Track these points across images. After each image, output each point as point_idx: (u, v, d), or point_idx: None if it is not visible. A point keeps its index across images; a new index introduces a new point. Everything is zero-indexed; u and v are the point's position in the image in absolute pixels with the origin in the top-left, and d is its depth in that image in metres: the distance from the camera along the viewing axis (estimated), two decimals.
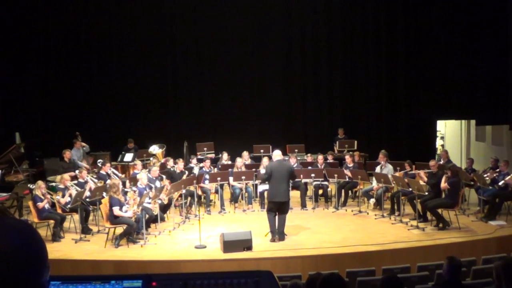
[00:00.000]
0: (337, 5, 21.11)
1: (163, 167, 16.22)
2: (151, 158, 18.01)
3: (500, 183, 14.36)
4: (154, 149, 18.35)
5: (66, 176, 14.17)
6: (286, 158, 17.01)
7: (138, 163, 16.23)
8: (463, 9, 18.16)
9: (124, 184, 14.13)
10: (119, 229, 12.80)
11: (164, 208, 14.46)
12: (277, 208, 12.73)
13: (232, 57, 21.03)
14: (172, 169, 16.04)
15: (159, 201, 13.84)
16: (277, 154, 13.15)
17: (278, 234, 12.72)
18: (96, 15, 20.82)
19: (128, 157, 18.58)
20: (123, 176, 16.67)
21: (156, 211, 13.59)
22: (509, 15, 16.15)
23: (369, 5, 20.98)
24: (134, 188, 13.75)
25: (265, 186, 14.40)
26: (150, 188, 13.96)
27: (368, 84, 21.14)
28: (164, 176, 15.18)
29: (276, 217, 12.79)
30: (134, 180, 14.59)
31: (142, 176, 14.06)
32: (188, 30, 21.14)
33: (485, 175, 15.05)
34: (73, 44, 20.53)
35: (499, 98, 16.76)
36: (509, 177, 14.24)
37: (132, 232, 12.75)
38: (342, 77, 21.29)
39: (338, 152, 19.20)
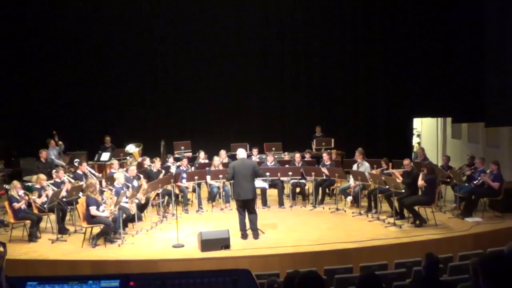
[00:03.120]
0: (315, 4, 21.14)
1: (140, 166, 16.16)
2: (128, 157, 17.96)
3: (476, 182, 14.46)
4: (131, 148, 18.27)
5: (43, 176, 14.05)
6: (264, 157, 17.04)
7: (115, 162, 16.14)
8: (440, 8, 18.24)
9: (100, 184, 14.04)
10: (96, 229, 12.72)
11: (142, 207, 14.43)
12: (244, 206, 12.79)
13: (209, 56, 20.98)
14: (149, 168, 15.99)
15: (136, 201, 13.78)
16: (240, 153, 13.26)
17: (252, 232, 12.79)
18: (72, 13, 20.65)
19: (105, 156, 18.48)
20: (100, 175, 16.57)
21: (133, 210, 13.54)
22: (485, 14, 16.25)
23: (347, 4, 21.04)
24: (111, 188, 13.68)
25: None
26: (127, 187, 13.89)
27: (345, 82, 21.20)
28: (141, 176, 15.12)
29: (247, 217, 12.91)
30: (111, 180, 14.50)
31: (119, 176, 14.00)
32: (166, 29, 21.05)
33: (461, 172, 15.16)
34: (49, 43, 20.34)
35: (475, 96, 16.86)
36: (484, 174, 14.36)
37: (109, 231, 12.68)
38: (320, 75, 21.33)
39: (315, 150, 19.23)
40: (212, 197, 16.36)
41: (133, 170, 14.93)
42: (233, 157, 18.04)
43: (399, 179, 14.32)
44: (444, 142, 21.60)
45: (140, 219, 14.23)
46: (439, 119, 21.60)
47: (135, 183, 14.52)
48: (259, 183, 14.73)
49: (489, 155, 16.73)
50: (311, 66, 21.38)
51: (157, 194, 15.08)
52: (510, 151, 17.37)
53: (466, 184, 14.83)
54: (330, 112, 21.36)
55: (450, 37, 17.88)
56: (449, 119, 20.34)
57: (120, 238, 12.79)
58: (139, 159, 17.21)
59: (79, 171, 15.53)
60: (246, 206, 12.77)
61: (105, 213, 12.61)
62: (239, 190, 12.78)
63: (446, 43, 18.13)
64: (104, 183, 14.37)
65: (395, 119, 20.54)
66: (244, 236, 12.79)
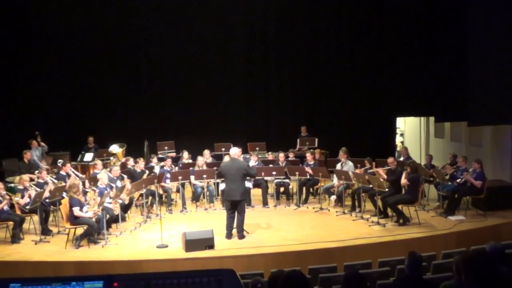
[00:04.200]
0: (300, 4, 21.16)
1: (123, 166, 16.11)
2: (111, 158, 17.89)
3: (459, 180, 14.54)
4: (114, 148, 18.20)
5: (25, 176, 13.98)
6: (247, 157, 17.03)
7: (99, 162, 16.08)
8: (424, 7, 18.29)
9: (84, 184, 13.99)
10: (80, 230, 12.68)
11: (125, 208, 14.38)
12: (232, 207, 12.82)
13: (193, 56, 20.88)
14: (132, 168, 15.94)
15: (120, 201, 13.75)
16: (232, 153, 13.19)
17: (237, 232, 12.83)
18: (54, 13, 20.49)
19: (88, 156, 18.41)
20: (83, 176, 16.50)
21: (117, 211, 13.50)
22: (468, 13, 16.32)
23: (332, 4, 21.07)
24: (94, 188, 13.63)
25: None
26: (111, 188, 13.85)
27: (330, 82, 21.19)
28: (125, 176, 15.08)
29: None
30: (94, 180, 14.45)
31: (103, 176, 13.95)
32: (150, 29, 20.91)
33: (444, 171, 15.23)
34: (32, 43, 20.19)
35: (458, 96, 16.94)
36: (467, 172, 14.43)
37: (93, 232, 12.64)
38: (304, 75, 21.33)
39: (298, 150, 19.26)
40: (196, 197, 16.36)
41: (116, 170, 14.89)
42: (217, 157, 18.08)
43: (384, 177, 14.37)
44: (427, 141, 21.70)
45: (123, 219, 14.19)
46: (422, 118, 21.70)
47: (119, 183, 14.48)
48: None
49: (472, 154, 16.83)
50: (295, 66, 21.35)
51: (141, 195, 15.04)
52: (492, 150, 17.49)
53: (449, 183, 14.91)
54: (314, 112, 21.36)
55: (434, 37, 17.94)
56: (432, 118, 20.43)
57: (104, 238, 12.75)
58: (123, 160, 17.14)
59: (62, 172, 15.45)
60: (234, 207, 12.81)
61: (89, 213, 12.57)
62: (228, 190, 12.91)
63: (429, 43, 18.17)
64: (87, 184, 14.32)
65: (379, 118, 20.59)
66: (228, 235, 12.80)
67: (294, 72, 21.40)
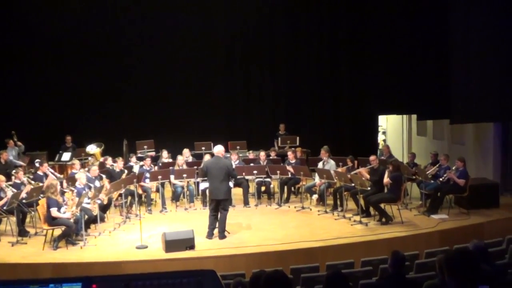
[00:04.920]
0: (280, 0, 21.18)
1: (102, 166, 16.03)
2: (89, 158, 17.81)
3: (441, 179, 14.60)
4: (92, 148, 18.12)
5: (1, 177, 13.87)
6: (228, 155, 17.01)
7: (76, 162, 15.97)
8: (405, 4, 18.34)
9: (61, 184, 13.89)
10: (58, 231, 12.61)
11: (104, 208, 14.30)
12: (216, 206, 12.82)
13: (172, 53, 20.83)
14: (111, 168, 15.87)
15: (99, 201, 13.67)
16: (216, 151, 13.19)
17: (218, 232, 12.81)
18: (32, 11, 20.33)
19: (66, 156, 18.30)
20: (61, 176, 16.40)
21: (96, 211, 13.43)
22: (450, 10, 16.39)
23: (313, 1, 21.10)
24: (72, 188, 13.54)
25: (206, 184, 14.35)
26: (89, 188, 13.78)
27: (310, 80, 21.21)
28: (103, 176, 15.02)
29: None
30: (72, 180, 14.35)
31: (81, 176, 13.87)
32: (127, 27, 20.79)
33: (427, 171, 15.29)
34: (6, 41, 20.05)
35: (440, 93, 17.00)
36: (450, 171, 14.51)
37: (71, 233, 12.58)
38: (285, 73, 21.34)
39: (279, 148, 19.27)
40: (176, 197, 16.34)
41: (95, 170, 14.80)
42: (197, 156, 18.07)
43: (366, 177, 14.38)
44: (409, 139, 21.80)
45: (102, 220, 14.10)
46: (404, 116, 21.79)
47: (97, 183, 14.41)
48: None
49: (454, 152, 16.91)
50: (276, 63, 21.37)
51: (120, 195, 14.98)
52: (474, 148, 17.60)
53: (432, 181, 14.95)
54: (295, 110, 21.36)
55: (416, 35, 17.97)
56: (414, 116, 20.50)
57: (82, 240, 12.68)
58: (101, 159, 17.08)
59: (39, 172, 15.34)
60: (218, 206, 12.82)
61: (67, 214, 12.50)
62: (211, 189, 12.96)
63: (411, 41, 18.20)
64: (65, 184, 14.22)
65: (360, 116, 20.61)
66: (209, 234, 12.79)
67: (275, 69, 21.38)
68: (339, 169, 15.52)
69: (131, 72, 20.92)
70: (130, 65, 20.89)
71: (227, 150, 18.29)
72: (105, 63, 20.57)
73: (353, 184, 14.23)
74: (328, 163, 15.87)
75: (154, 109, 20.80)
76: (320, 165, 16.07)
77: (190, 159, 17.45)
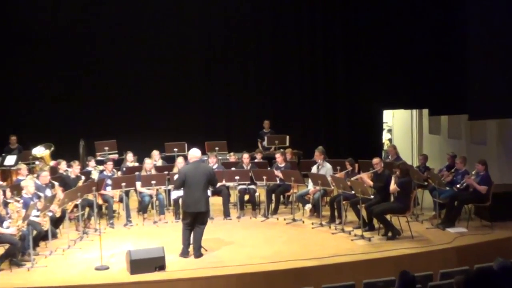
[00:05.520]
0: None
1: (54, 171, 15.93)
2: (37, 162, 17.66)
3: (459, 185, 14.55)
4: (39, 150, 17.93)
5: None
6: (205, 158, 16.95)
7: (23, 167, 15.85)
8: None
9: (4, 194, 13.72)
10: (0, 250, 12.50)
11: (56, 222, 14.19)
12: (193, 220, 12.70)
13: (140, 42, 20.87)
14: (65, 173, 15.77)
15: (50, 214, 13.52)
16: (193, 155, 13.04)
17: (194, 250, 12.70)
18: None
19: (10, 160, 18.07)
20: (4, 183, 16.24)
21: (46, 226, 13.27)
22: None
23: None
24: (17, 199, 13.38)
25: (179, 193, 14.27)
26: (38, 197, 13.64)
27: (301, 69, 21.25)
28: (56, 183, 14.89)
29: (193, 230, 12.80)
30: (17, 189, 14.16)
31: (28, 183, 13.73)
32: (84, 12, 20.84)
33: (441, 175, 15.27)
34: None
35: (456, 84, 16.97)
36: (469, 176, 14.46)
37: (16, 252, 12.44)
38: (272, 62, 21.36)
39: (265, 149, 19.25)
40: (143, 208, 16.27)
41: (45, 176, 14.64)
42: (168, 159, 18.03)
43: (369, 184, 14.37)
44: (420, 138, 21.84)
45: (54, 236, 13.99)
46: (414, 111, 21.83)
47: (48, 192, 14.29)
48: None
49: (474, 153, 16.94)
50: (260, 53, 21.42)
51: (76, 205, 14.83)
52: (498, 149, 17.59)
53: (447, 188, 14.93)
54: (283, 105, 21.39)
55: (429, 19, 17.93)
56: (425, 111, 20.53)
57: (30, 260, 12.53)
58: (52, 163, 16.96)
59: None
60: (196, 220, 12.71)
61: (11, 230, 12.36)
62: (189, 200, 12.71)
63: (421, 26, 18.13)
64: (8, 193, 14.03)
65: (362, 112, 20.65)
66: (184, 252, 12.70)
67: (259, 59, 21.44)
68: (337, 174, 15.52)
69: (88, 63, 20.84)
70: (86, 55, 20.81)
71: (204, 152, 18.23)
72: (57, 54, 20.51)
73: (353, 192, 14.18)
74: (323, 167, 15.85)
75: (117, 105, 20.75)
76: (314, 169, 16.04)
77: (160, 162, 17.40)
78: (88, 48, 20.79)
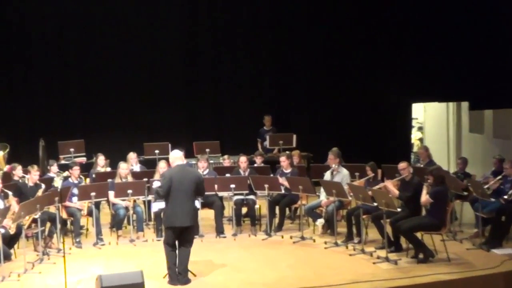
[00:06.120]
0: None
1: (7, 178, 15.89)
2: None
3: (506, 196, 14.46)
4: None
5: None
6: (193, 162, 16.93)
7: None
8: None
9: None
10: None
11: (10, 240, 14.14)
12: (177, 237, 12.56)
13: (115, 24, 20.93)
14: (21, 181, 15.74)
15: (2, 230, 13.52)
16: (176, 156, 12.91)
17: (179, 274, 12.62)
18: None
19: None
20: None
21: None
22: None
23: None
24: None
25: (161, 204, 14.21)
26: None
27: (310, 54, 21.24)
28: (9, 192, 14.82)
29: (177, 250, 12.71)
30: None
31: None
32: None
33: (485, 183, 15.22)
34: None
35: (502, 71, 16.92)
36: None
37: None
38: (272, 45, 21.38)
39: (267, 151, 19.24)
40: (117, 223, 16.22)
41: None
42: (148, 163, 18.01)
43: (395, 194, 14.29)
44: (458, 138, 21.82)
45: (8, 258, 13.96)
46: (451, 104, 21.80)
47: (0, 203, 14.26)
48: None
49: None
50: (257, 33, 21.44)
51: (34, 220, 14.80)
52: None
53: (493, 200, 14.83)
54: (287, 96, 21.38)
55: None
56: (465, 105, 20.52)
57: None
58: (5, 168, 16.94)
59: None
60: (181, 237, 12.58)
61: None
62: (172, 212, 12.47)
63: (458, 4, 18.18)
64: None
65: (385, 105, 20.66)
66: (172, 278, 12.58)
67: (258, 42, 21.42)
68: (355, 182, 15.48)
69: (51, 47, 20.90)
70: (46, 41, 20.88)
71: (191, 155, 18.24)
72: (12, 40, 20.58)
73: (375, 204, 14.13)
74: (338, 173, 15.83)
75: (85, 98, 20.80)
76: (327, 175, 16.01)
77: (138, 167, 17.37)
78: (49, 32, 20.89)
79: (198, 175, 13.06)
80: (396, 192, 14.36)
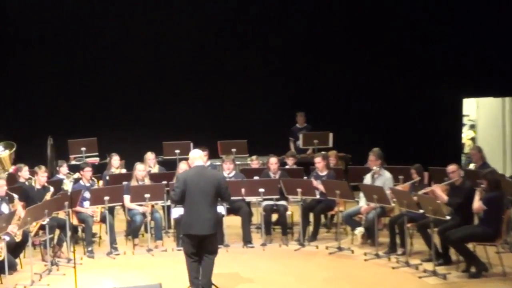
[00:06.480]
0: None
1: (12, 180, 15.97)
2: None
3: None
4: None
5: None
6: (217, 164, 16.99)
7: None
8: None
9: None
10: None
11: (16, 248, 14.22)
12: (197, 246, 12.44)
13: (134, 15, 21.11)
14: (27, 183, 15.83)
15: (7, 238, 13.60)
16: (195, 156, 12.75)
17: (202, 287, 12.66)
18: None
19: None
20: None
21: (2, 254, 13.37)
22: None
23: None
24: None
25: (182, 210, 14.20)
26: None
27: (347, 44, 21.27)
28: (15, 196, 14.87)
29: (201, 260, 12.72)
30: None
31: None
32: None
33: None
34: None
35: None
36: None
37: None
38: (305, 32, 21.40)
39: (300, 152, 19.27)
40: (133, 231, 16.30)
41: (2, 186, 14.68)
42: (167, 165, 18.05)
43: (444, 199, 14.28)
44: None
45: (13, 268, 14.03)
46: (507, 100, 21.74)
47: (4, 208, 14.33)
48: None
49: None
50: (290, 23, 21.47)
51: (42, 227, 14.90)
52: None
53: None
54: (323, 90, 21.41)
55: None
56: None
57: None
58: (11, 169, 17.03)
59: None
60: (201, 246, 12.51)
61: None
62: (190, 219, 12.35)
63: None
64: None
65: (433, 101, 20.64)
66: None
67: (289, 28, 21.47)
68: (399, 186, 15.48)
69: (57, 44, 21.09)
70: (54, 33, 21.11)
71: (215, 155, 18.29)
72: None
73: (421, 211, 14.12)
74: (380, 176, 15.84)
75: (99, 92, 20.86)
76: (367, 179, 16.04)
77: (157, 169, 17.42)
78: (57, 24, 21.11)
79: (219, 178, 12.69)
80: (445, 197, 14.28)
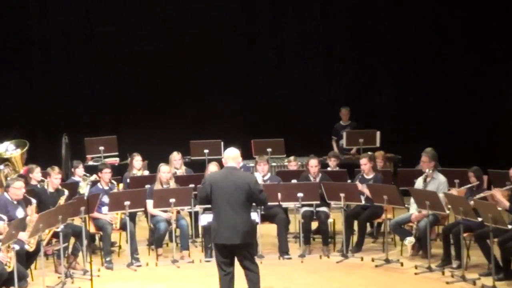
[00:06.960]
0: None
1: (23, 182, 16.01)
2: (1, 167, 17.82)
3: None
4: (7, 148, 18.11)
5: None
6: (250, 165, 17.00)
7: None
8: None
9: None
10: None
11: (27, 258, 14.25)
12: (229, 256, 12.12)
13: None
14: (40, 186, 15.87)
15: (17, 247, 13.62)
16: (229, 156, 12.39)
17: None
18: None
19: None
20: None
21: (11, 264, 13.39)
22: None
23: None
24: None
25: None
26: (2, 221, 13.77)
27: (396, 34, 21.24)
28: (33, 200, 14.78)
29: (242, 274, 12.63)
30: None
31: None
32: None
33: None
34: None
35: None
36: None
37: None
38: (350, 22, 21.43)
39: (344, 153, 19.26)
40: (156, 240, 16.31)
41: (19, 188, 14.36)
42: (195, 166, 18.07)
43: (505, 205, 14.20)
44: None
45: (23, 280, 14.08)
46: None
47: (20, 212, 14.34)
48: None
49: None
50: (331, 9, 21.51)
51: (55, 235, 14.93)
52: None
53: None
54: (370, 85, 21.40)
55: None
56: None
57: None
58: (23, 170, 17.10)
59: None
60: (234, 256, 12.32)
61: None
62: (219, 226, 12.09)
63: None
64: None
65: (493, 94, 20.55)
66: None
67: (332, 16, 21.49)
68: (454, 191, 15.42)
69: (74, 36, 21.24)
70: (70, 26, 21.24)
71: (248, 156, 18.30)
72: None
73: (479, 219, 14.07)
74: (433, 180, 15.76)
75: (118, 85, 20.95)
76: (419, 183, 15.97)
77: (183, 170, 17.44)
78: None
79: (250, 181, 12.19)
80: (507, 203, 14.16)
